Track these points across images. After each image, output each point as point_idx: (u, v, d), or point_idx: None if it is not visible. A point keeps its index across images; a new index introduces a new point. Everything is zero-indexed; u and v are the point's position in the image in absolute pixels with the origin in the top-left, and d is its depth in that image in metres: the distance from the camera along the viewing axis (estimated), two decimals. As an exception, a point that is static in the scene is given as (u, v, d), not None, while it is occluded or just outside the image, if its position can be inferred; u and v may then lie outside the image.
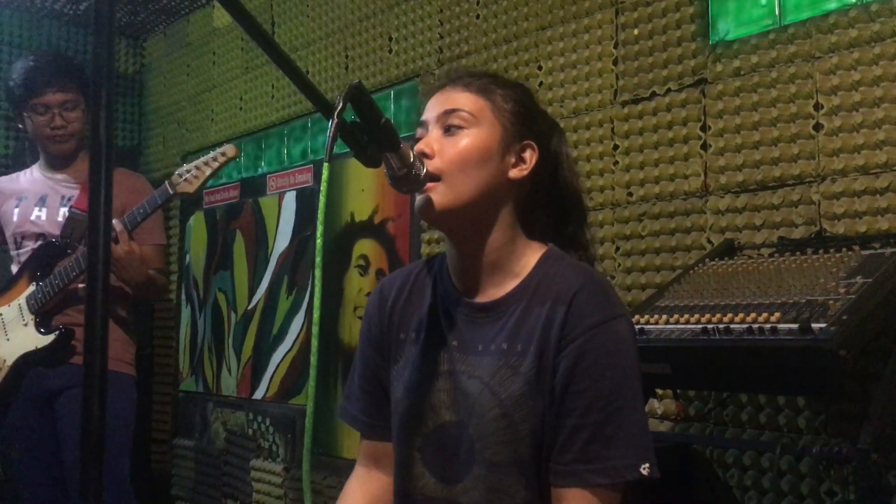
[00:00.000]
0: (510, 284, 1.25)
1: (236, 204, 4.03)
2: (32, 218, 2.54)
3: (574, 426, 1.15)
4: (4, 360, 2.42)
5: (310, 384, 0.99)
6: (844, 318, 1.43)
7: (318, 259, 0.96)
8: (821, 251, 1.82)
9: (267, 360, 3.73)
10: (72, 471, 2.39)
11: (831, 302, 1.51)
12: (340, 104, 1.03)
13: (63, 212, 2.51)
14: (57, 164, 2.63)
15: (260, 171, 3.92)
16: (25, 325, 2.39)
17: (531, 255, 1.27)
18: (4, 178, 2.74)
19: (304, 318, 3.55)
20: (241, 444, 3.86)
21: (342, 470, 3.11)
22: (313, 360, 0.97)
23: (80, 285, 2.41)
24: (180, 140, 4.44)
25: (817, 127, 1.97)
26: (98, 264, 0.68)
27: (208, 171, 2.16)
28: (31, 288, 2.41)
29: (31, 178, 2.65)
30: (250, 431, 3.79)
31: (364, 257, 3.28)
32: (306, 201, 3.60)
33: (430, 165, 1.21)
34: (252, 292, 3.87)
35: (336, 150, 1.03)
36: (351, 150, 1.11)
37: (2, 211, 2.64)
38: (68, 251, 2.36)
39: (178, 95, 4.50)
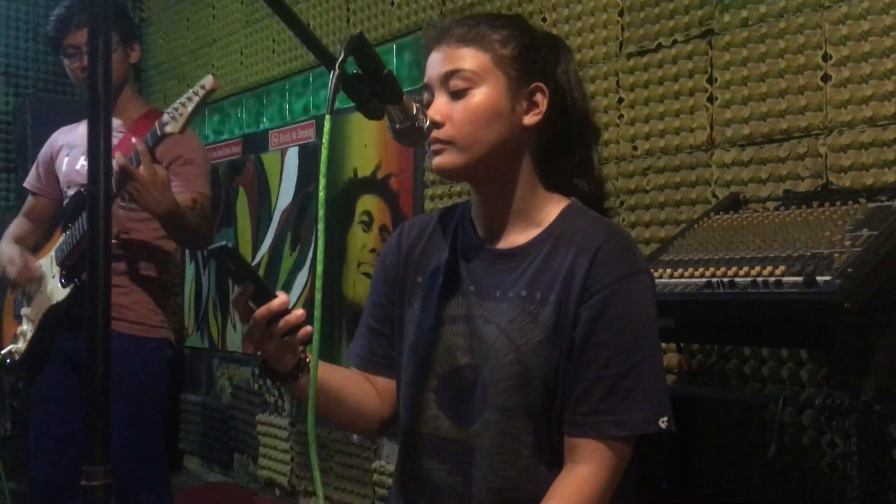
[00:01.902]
0: (532, 233, 1.25)
1: (238, 160, 4.02)
2: (77, 167, 2.47)
3: (593, 378, 1.16)
4: (37, 314, 2.39)
5: (314, 338, 0.99)
6: (849, 270, 1.43)
7: (321, 212, 0.96)
8: (827, 204, 1.81)
9: (271, 316, 3.74)
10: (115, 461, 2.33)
11: (836, 255, 1.50)
12: (342, 55, 1.01)
13: None
14: None
15: (262, 126, 3.89)
16: (53, 277, 2.36)
17: (553, 207, 1.26)
18: (64, 128, 2.64)
19: (308, 274, 3.55)
20: (246, 398, 3.90)
21: (347, 424, 3.14)
22: (317, 313, 0.97)
23: (112, 241, 2.34)
24: (181, 95, 4.40)
25: (825, 78, 1.95)
26: (99, 220, 0.67)
27: (190, 107, 2.07)
28: (61, 239, 2.37)
29: (83, 125, 2.58)
30: (256, 386, 3.83)
31: (367, 213, 3.27)
32: (309, 157, 3.58)
33: (441, 134, 1.19)
34: (255, 249, 3.88)
35: (338, 104, 1.02)
36: (353, 102, 1.10)
37: (56, 163, 2.58)
38: None
39: (178, 50, 4.46)
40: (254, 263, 3.88)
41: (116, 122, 2.47)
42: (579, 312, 1.16)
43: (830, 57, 1.94)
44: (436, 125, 1.19)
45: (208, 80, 2.08)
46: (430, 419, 1.27)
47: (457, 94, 1.21)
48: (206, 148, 4.13)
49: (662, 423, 1.15)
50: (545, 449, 1.20)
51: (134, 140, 2.12)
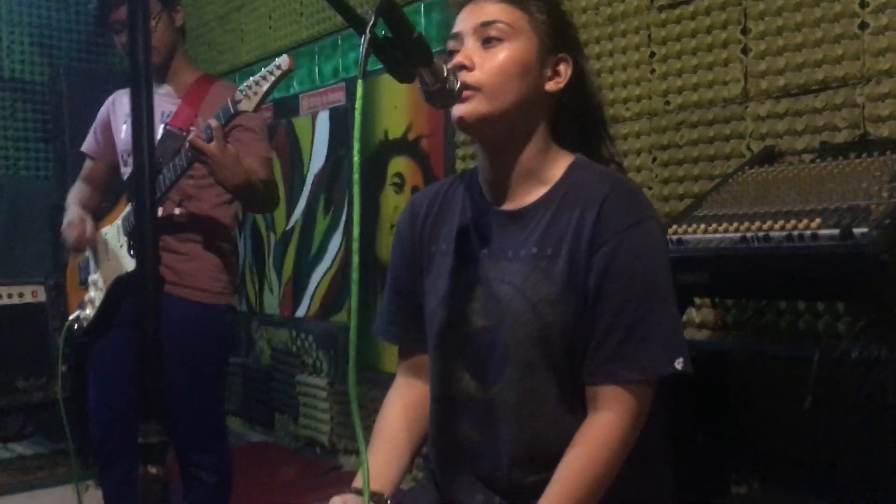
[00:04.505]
0: (539, 192, 1.27)
1: (270, 125, 4.04)
2: None
3: (608, 326, 1.18)
4: (105, 282, 2.44)
5: (352, 299, 1.01)
6: (887, 222, 1.41)
7: (356, 177, 0.97)
8: (864, 155, 1.78)
9: (307, 279, 3.80)
10: (178, 422, 2.35)
11: (873, 206, 1.48)
12: (373, 19, 1.02)
13: (160, 129, 2.44)
14: (157, 78, 2.55)
15: (292, 91, 3.90)
16: (121, 246, 2.40)
17: (560, 164, 1.29)
18: (121, 91, 2.64)
19: (342, 236, 3.59)
20: (285, 360, 3.97)
21: (383, 383, 3.19)
22: (354, 275, 0.99)
23: (176, 211, 2.36)
24: (211, 62, 4.42)
25: (863, 26, 1.91)
26: (144, 190, 0.69)
27: (265, 87, 2.09)
28: (127, 208, 2.41)
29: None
30: (294, 348, 3.90)
31: (399, 175, 3.28)
32: (340, 120, 3.59)
33: (470, 78, 1.20)
34: (289, 213, 3.92)
35: (368, 66, 1.03)
36: (384, 66, 1.11)
37: (113, 128, 2.61)
38: (164, 169, 2.30)
39: (207, 16, 4.47)
40: (288, 228, 3.93)
41: (170, 90, 2.50)
42: (590, 264, 1.19)
43: (868, 3, 1.90)
44: (463, 68, 1.21)
45: (284, 61, 2.09)
46: (455, 382, 1.30)
47: (489, 44, 1.22)
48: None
49: (678, 364, 1.17)
50: (569, 401, 1.22)
51: (210, 121, 2.14)
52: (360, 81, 0.98)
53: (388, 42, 1.08)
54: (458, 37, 1.25)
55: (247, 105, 2.10)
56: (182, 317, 2.34)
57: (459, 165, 2.98)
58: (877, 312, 1.85)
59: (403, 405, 1.41)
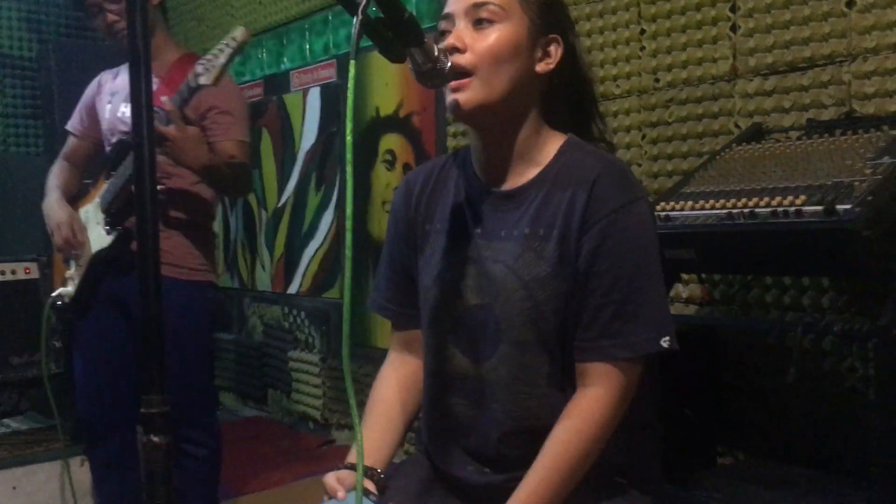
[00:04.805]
0: (532, 172, 1.29)
1: (261, 102, 4.03)
2: (119, 114, 2.50)
3: (598, 305, 1.21)
4: (84, 259, 2.46)
5: (345, 276, 1.03)
6: (869, 198, 1.44)
7: (348, 156, 0.99)
8: (849, 132, 1.80)
9: (299, 255, 3.81)
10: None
11: (857, 183, 1.51)
12: (365, 0, 1.03)
13: None
14: None
15: (283, 67, 3.90)
16: (98, 223, 2.42)
17: (552, 144, 1.30)
18: (108, 71, 2.65)
19: (334, 213, 3.60)
20: (278, 336, 4.00)
21: (376, 359, 3.22)
22: (348, 252, 1.01)
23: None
24: (200, 38, 4.40)
25: (850, 4, 1.92)
26: (144, 171, 0.71)
27: (222, 59, 2.10)
28: (105, 185, 2.43)
29: (125, 71, 2.59)
30: (286, 325, 3.93)
31: (390, 152, 3.29)
32: (331, 97, 3.59)
33: (462, 59, 1.22)
34: (281, 190, 3.93)
35: (360, 44, 1.04)
36: (376, 46, 1.12)
37: (97, 108, 2.61)
38: None
39: (196, -8, 4.44)
40: (280, 204, 3.94)
41: (153, 67, 2.49)
42: (581, 243, 1.21)
43: (855, -18, 1.91)
44: (455, 50, 1.22)
45: (239, 32, 2.10)
46: (448, 358, 1.33)
47: (480, 25, 1.23)
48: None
49: (664, 342, 1.20)
50: (560, 378, 1.25)
51: (164, 99, 2.15)
52: (352, 62, 1.00)
53: (379, 22, 1.09)
54: (449, 17, 1.26)
55: (206, 79, 2.10)
56: (162, 294, 2.34)
57: (451, 143, 2.99)
58: (860, 287, 1.89)
59: (397, 380, 1.43)
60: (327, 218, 3.64)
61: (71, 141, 2.67)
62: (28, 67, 4.48)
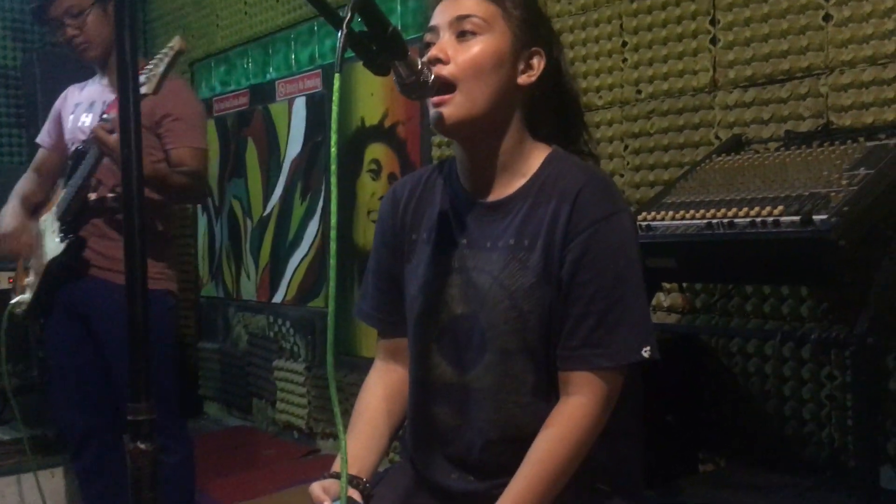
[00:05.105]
0: (517, 184, 1.31)
1: (246, 111, 4.04)
2: (79, 124, 2.53)
3: (580, 314, 1.23)
4: (40, 266, 2.48)
5: (330, 285, 1.04)
6: (845, 209, 1.47)
7: (333, 167, 1.01)
8: (827, 144, 1.84)
9: (284, 264, 3.82)
10: (120, 392, 2.42)
11: (833, 194, 1.54)
12: (349, 15, 1.05)
13: (98, 118, 2.48)
14: (100, 69, 2.59)
15: (268, 77, 3.91)
16: (54, 231, 2.44)
17: (537, 156, 1.32)
18: (76, 85, 2.70)
19: (319, 222, 3.61)
20: (263, 345, 4.00)
21: (361, 367, 3.23)
22: (332, 261, 1.02)
23: (109, 195, 2.40)
24: (186, 47, 4.40)
25: (826, 18, 1.96)
26: (132, 179, 0.72)
27: (161, 68, 2.17)
28: (62, 193, 2.45)
29: (91, 84, 2.64)
30: (271, 334, 3.92)
31: (376, 161, 3.31)
32: (316, 106, 3.61)
33: (445, 71, 1.24)
34: (266, 199, 3.93)
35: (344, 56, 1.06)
36: (360, 59, 1.14)
37: (63, 119, 2.63)
38: (87, 153, 2.34)
39: (182, 1, 4.45)
40: (265, 213, 3.94)
41: (112, 80, 2.53)
42: (564, 254, 1.23)
43: (832, -4, 1.95)
44: (438, 61, 1.24)
45: (176, 41, 2.19)
46: (433, 367, 1.34)
47: (464, 37, 1.26)
48: (214, 99, 4.18)
49: (645, 352, 1.22)
50: (545, 387, 1.27)
51: (108, 113, 2.20)
52: (336, 75, 1.01)
53: (363, 36, 1.11)
54: (434, 30, 1.28)
55: (147, 88, 2.15)
56: (117, 301, 2.37)
57: (435, 152, 3.01)
58: (838, 295, 1.92)
59: (383, 388, 1.44)
60: (312, 227, 3.65)
61: (40, 153, 2.72)
62: (12, 77, 4.47)
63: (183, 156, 2.40)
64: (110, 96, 2.49)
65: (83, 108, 2.55)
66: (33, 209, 2.59)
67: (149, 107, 2.24)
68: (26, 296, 2.52)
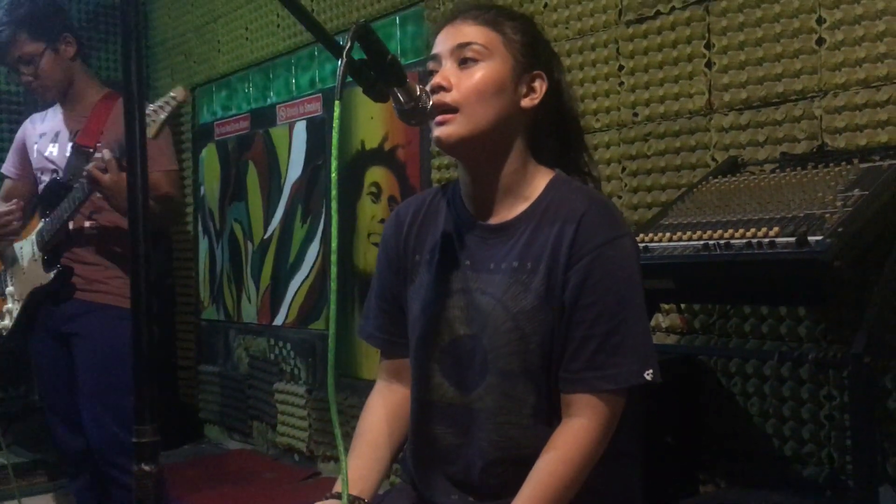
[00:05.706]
0: (520, 207, 1.32)
1: (247, 135, 4.07)
2: (46, 154, 2.58)
3: (583, 337, 1.24)
4: (21, 294, 2.52)
5: (331, 307, 1.06)
6: (840, 230, 1.49)
7: (333, 192, 1.03)
8: (821, 166, 1.86)
9: (285, 287, 3.83)
10: (86, 411, 2.46)
11: (828, 215, 1.56)
12: (349, 43, 1.07)
13: (69, 146, 2.53)
14: (60, 103, 2.64)
15: (269, 101, 3.94)
16: (35, 260, 2.48)
17: (540, 180, 1.34)
18: (36, 115, 2.75)
19: (320, 245, 3.63)
20: (263, 368, 4.00)
21: (362, 390, 3.23)
22: (333, 285, 1.04)
23: (86, 223, 2.47)
24: (188, 72, 4.45)
25: (819, 41, 1.99)
26: (138, 205, 0.74)
27: (163, 116, 2.23)
28: (41, 224, 2.48)
29: (54, 113, 2.68)
30: (272, 356, 3.93)
31: (376, 185, 3.33)
32: (317, 130, 3.64)
33: (448, 98, 1.26)
34: (267, 222, 3.95)
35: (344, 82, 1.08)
36: (360, 86, 1.16)
37: (28, 148, 2.68)
38: (75, 186, 2.39)
39: (184, 27, 4.49)
40: (266, 236, 3.96)
41: (78, 109, 2.59)
42: (567, 277, 1.24)
43: (825, 20, 1.98)
44: (441, 89, 1.26)
45: (179, 92, 2.25)
46: (435, 387, 1.35)
47: (466, 64, 1.28)
48: (215, 123, 4.20)
49: (648, 375, 1.23)
50: (546, 409, 1.27)
51: (104, 152, 2.24)
52: (336, 102, 1.03)
53: (363, 63, 1.13)
54: (436, 58, 1.31)
55: (148, 132, 2.20)
56: (98, 319, 2.47)
57: (435, 175, 3.03)
58: (835, 315, 1.93)
59: (385, 409, 1.45)
60: (313, 250, 3.67)
61: (7, 183, 2.78)
62: (15, 102, 4.51)
63: (157, 180, 2.45)
64: (76, 124, 2.56)
65: (48, 139, 2.62)
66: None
67: (115, 134, 2.31)
68: (5, 322, 2.58)
